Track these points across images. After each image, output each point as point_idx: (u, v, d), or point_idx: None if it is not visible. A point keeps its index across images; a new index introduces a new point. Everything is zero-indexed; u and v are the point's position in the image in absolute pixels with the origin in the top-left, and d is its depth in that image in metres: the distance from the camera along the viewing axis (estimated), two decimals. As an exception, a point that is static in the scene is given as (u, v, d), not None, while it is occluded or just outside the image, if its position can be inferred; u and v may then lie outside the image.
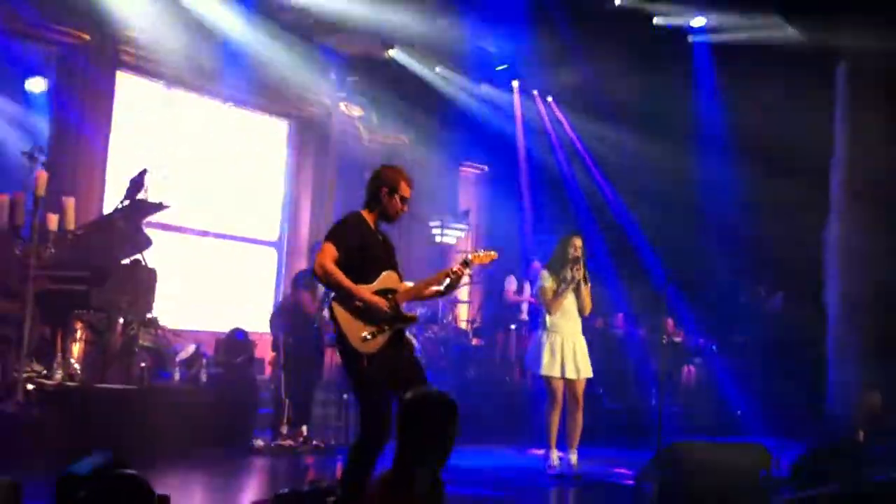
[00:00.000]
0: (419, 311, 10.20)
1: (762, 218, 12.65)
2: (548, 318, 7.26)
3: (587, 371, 7.29)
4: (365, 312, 4.71)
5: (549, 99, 14.16)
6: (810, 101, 11.53)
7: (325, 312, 8.27)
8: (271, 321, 8.61)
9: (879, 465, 8.11)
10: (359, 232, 4.87)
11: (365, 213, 4.96)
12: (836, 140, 11.51)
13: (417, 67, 12.77)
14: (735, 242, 13.23)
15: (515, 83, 13.91)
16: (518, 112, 14.11)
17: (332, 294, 4.79)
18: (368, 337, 4.69)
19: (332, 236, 4.80)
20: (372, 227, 4.94)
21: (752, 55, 11.90)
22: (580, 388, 7.23)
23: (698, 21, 12.57)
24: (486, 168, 14.62)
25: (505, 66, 13.68)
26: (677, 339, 12.69)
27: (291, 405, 8.00)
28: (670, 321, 12.80)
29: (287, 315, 8.30)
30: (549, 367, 7.14)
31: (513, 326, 11.56)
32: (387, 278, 4.86)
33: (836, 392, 11.19)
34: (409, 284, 5.00)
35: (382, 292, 4.77)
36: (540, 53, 12.83)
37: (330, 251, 4.72)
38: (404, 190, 4.98)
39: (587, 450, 8.97)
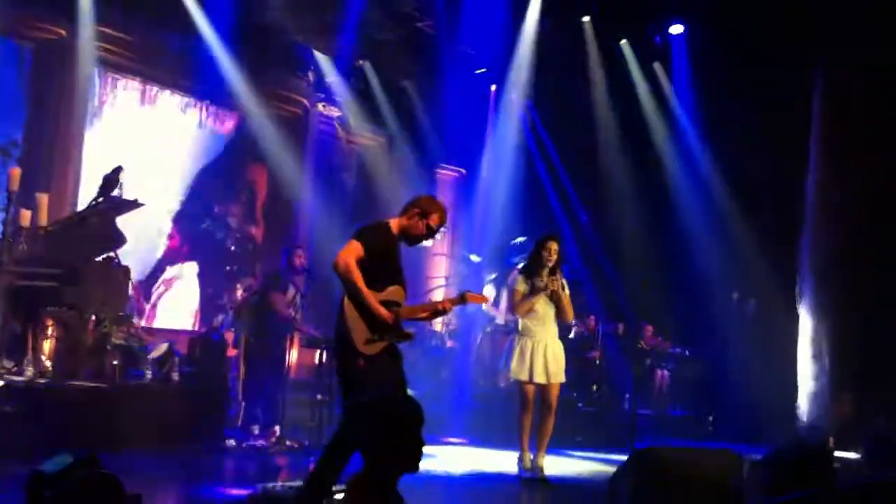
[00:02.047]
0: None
1: (737, 223, 12.74)
2: (520, 321, 7.23)
3: (559, 376, 7.23)
4: (369, 318, 4.78)
5: (524, 102, 14.16)
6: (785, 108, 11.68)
7: (299, 315, 8.27)
8: (235, 320, 8.52)
9: (849, 471, 8.20)
10: (386, 240, 5.00)
11: (393, 225, 5.06)
12: (811, 150, 11.64)
13: (392, 74, 12.80)
14: (709, 248, 13.30)
15: (493, 87, 13.93)
16: (499, 115, 14.12)
17: (343, 292, 4.84)
18: (371, 340, 4.78)
19: (361, 236, 4.90)
20: (395, 240, 5.04)
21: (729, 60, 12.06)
22: (552, 392, 7.19)
23: (676, 29, 12.70)
24: (463, 171, 14.63)
25: (483, 69, 13.72)
26: (655, 345, 12.74)
27: (247, 407, 7.98)
28: (650, 327, 12.85)
29: (253, 315, 8.22)
30: (518, 370, 7.12)
31: (488, 329, 11.55)
32: (395, 292, 4.98)
33: (808, 399, 11.30)
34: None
35: (387, 304, 4.87)
36: (519, 58, 12.89)
37: (356, 250, 4.81)
38: (434, 220, 5.15)
39: (560, 452, 9.03)
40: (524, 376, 7.11)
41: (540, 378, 7.13)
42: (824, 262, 11.36)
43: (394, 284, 4.95)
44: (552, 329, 7.26)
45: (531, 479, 7.11)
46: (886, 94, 11.00)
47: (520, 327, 7.24)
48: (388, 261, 4.96)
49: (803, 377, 11.42)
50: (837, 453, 8.64)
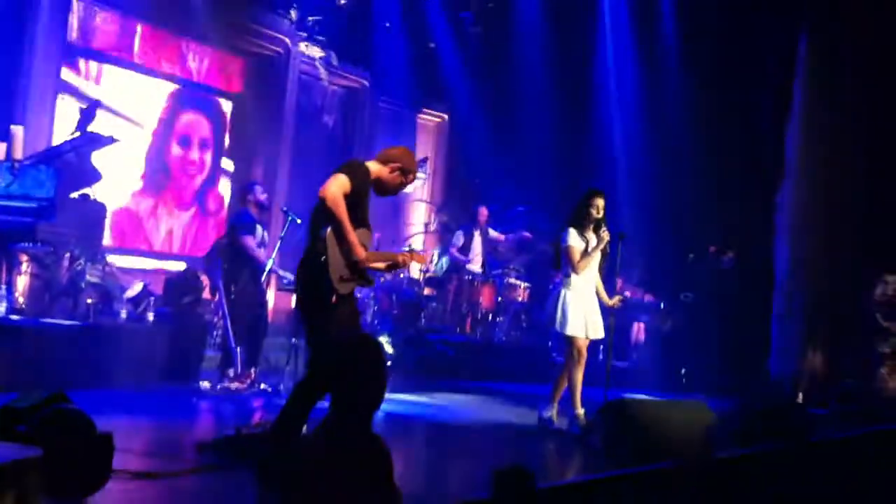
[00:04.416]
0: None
1: (717, 177, 12.74)
2: (573, 277, 7.15)
3: (602, 331, 7.29)
4: (347, 256, 4.72)
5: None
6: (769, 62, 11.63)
7: (275, 256, 8.19)
8: (207, 265, 8.41)
9: (819, 425, 8.31)
10: (365, 181, 4.90)
11: (371, 170, 4.98)
12: (794, 104, 11.60)
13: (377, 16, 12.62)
14: (687, 202, 13.33)
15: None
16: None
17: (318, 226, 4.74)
18: (345, 278, 4.72)
19: (350, 171, 4.79)
20: (370, 184, 4.98)
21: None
22: (585, 347, 7.21)
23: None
24: (445, 117, 14.52)
25: (468, 12, 13.56)
26: (627, 296, 12.79)
27: (243, 353, 7.92)
28: (619, 280, 12.88)
29: (226, 259, 8.10)
30: (575, 326, 7.07)
31: (467, 277, 11.55)
32: (363, 235, 4.89)
33: (779, 353, 11.40)
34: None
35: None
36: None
37: (345, 184, 4.70)
38: (410, 179, 5.12)
39: (538, 401, 9.09)
40: (580, 332, 7.08)
41: (595, 333, 7.15)
42: (800, 219, 11.39)
43: (362, 227, 4.87)
44: (597, 283, 7.28)
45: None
46: (873, 54, 10.94)
47: (571, 282, 7.15)
48: (362, 202, 4.87)
49: (775, 332, 11.51)
50: (807, 409, 8.77)
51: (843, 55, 11.32)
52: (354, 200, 4.75)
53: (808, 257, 11.31)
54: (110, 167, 9.09)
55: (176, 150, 11.23)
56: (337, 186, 4.66)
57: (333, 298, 4.68)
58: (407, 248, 5.45)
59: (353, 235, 4.69)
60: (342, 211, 4.64)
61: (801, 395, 10.49)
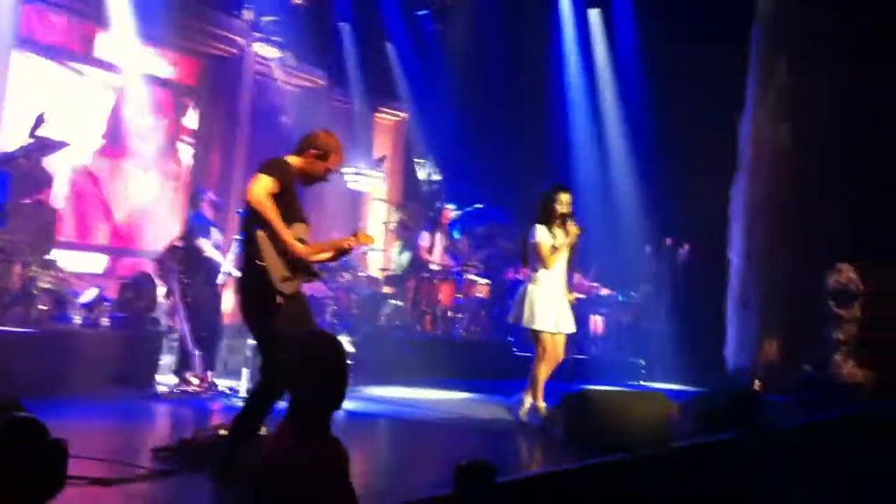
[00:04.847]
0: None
1: (673, 170, 12.86)
2: (541, 272, 7.16)
3: (573, 326, 7.31)
4: (284, 255, 4.65)
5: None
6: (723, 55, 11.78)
7: (231, 258, 8.11)
8: (161, 268, 8.31)
9: (775, 414, 8.42)
10: (290, 176, 4.81)
11: (291, 162, 4.88)
12: (747, 91, 11.75)
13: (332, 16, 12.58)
14: (643, 194, 13.45)
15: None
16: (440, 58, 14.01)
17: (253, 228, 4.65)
18: (287, 278, 4.65)
19: (270, 169, 4.69)
20: (294, 177, 4.88)
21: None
22: (563, 342, 7.24)
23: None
24: (403, 115, 14.49)
25: (426, 10, 13.57)
26: (584, 291, 12.87)
27: (200, 355, 7.84)
28: (577, 275, 12.96)
29: (181, 262, 8.02)
30: (543, 321, 7.08)
31: (424, 275, 11.54)
32: (300, 229, 4.82)
33: (736, 342, 11.55)
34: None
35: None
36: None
37: (268, 184, 4.61)
38: (333, 163, 4.95)
39: (500, 395, 9.12)
40: (548, 327, 7.09)
41: (563, 328, 7.16)
42: (754, 210, 11.55)
43: (298, 222, 4.80)
44: (564, 278, 7.29)
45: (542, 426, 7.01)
46: (826, 41, 11.09)
47: (539, 278, 7.17)
48: (291, 198, 4.77)
49: (732, 322, 11.65)
50: (764, 397, 8.87)
51: (792, 46, 11.48)
52: (283, 197, 4.67)
53: (763, 247, 11.48)
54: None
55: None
56: (260, 187, 4.57)
57: (279, 300, 4.62)
58: (352, 234, 5.31)
59: (286, 233, 4.61)
60: (270, 211, 4.56)
61: (758, 384, 10.63)
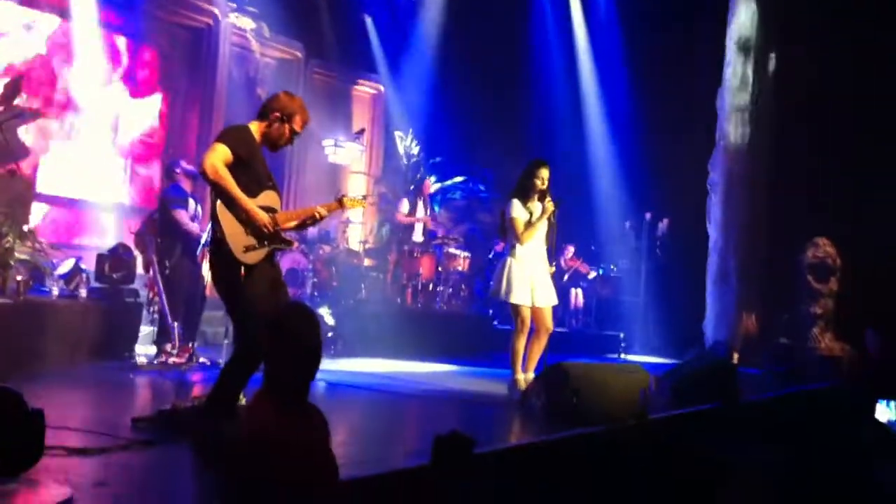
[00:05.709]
0: (312, 231, 10.10)
1: (651, 145, 12.90)
2: (518, 247, 7.19)
3: (554, 299, 7.32)
4: (247, 224, 4.60)
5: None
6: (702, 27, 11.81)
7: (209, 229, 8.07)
8: (140, 240, 8.26)
9: (753, 386, 8.51)
10: (249, 144, 4.74)
11: (254, 130, 4.81)
12: (725, 66, 11.78)
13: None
14: (622, 169, 13.49)
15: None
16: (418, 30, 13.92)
17: (216, 199, 4.61)
18: (251, 248, 4.59)
19: (225, 138, 4.63)
20: (258, 144, 4.82)
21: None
22: (549, 315, 7.25)
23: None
24: (382, 88, 14.42)
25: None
26: (575, 266, 12.92)
27: (180, 327, 7.81)
28: (571, 248, 13.01)
29: (158, 233, 7.97)
30: (520, 294, 7.10)
31: (405, 248, 11.55)
32: (268, 197, 4.77)
33: (714, 316, 11.64)
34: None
35: (264, 210, 4.68)
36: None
37: (224, 153, 4.54)
38: (297, 123, 4.86)
39: (479, 368, 9.16)
40: (526, 300, 7.12)
41: (540, 302, 7.17)
42: (732, 184, 11.61)
43: (266, 190, 4.75)
44: (544, 252, 7.32)
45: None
46: (807, 19, 11.12)
47: (516, 252, 7.18)
48: (255, 165, 4.70)
49: (711, 296, 11.74)
50: (740, 369, 8.96)
51: (772, 17, 11.50)
52: (244, 166, 4.61)
53: (741, 222, 11.55)
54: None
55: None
56: (215, 157, 4.51)
57: (242, 272, 4.57)
58: (339, 196, 5.28)
59: (245, 201, 4.55)
60: (225, 180, 4.50)
61: (736, 357, 10.73)
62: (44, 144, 9.81)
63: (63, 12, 10.16)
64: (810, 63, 11.03)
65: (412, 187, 12.29)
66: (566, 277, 12.75)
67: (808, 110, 11.18)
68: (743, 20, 11.65)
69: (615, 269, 13.34)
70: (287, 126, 4.83)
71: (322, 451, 3.14)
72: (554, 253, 7.58)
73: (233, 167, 4.57)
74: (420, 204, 11.91)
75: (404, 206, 11.93)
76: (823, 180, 11.18)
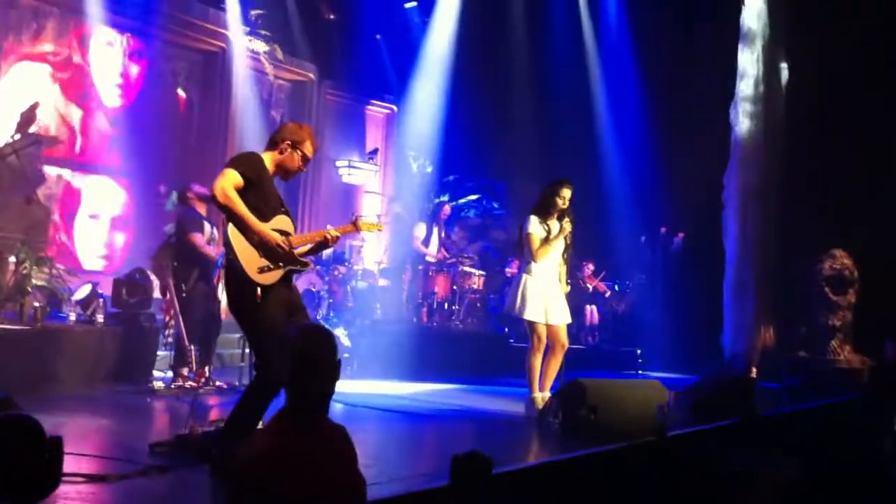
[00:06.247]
0: (327, 251, 10.12)
1: (665, 159, 12.87)
2: (533, 264, 7.21)
3: (568, 317, 7.33)
4: (261, 247, 4.61)
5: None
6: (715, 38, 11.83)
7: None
8: (156, 264, 8.29)
9: (771, 400, 8.45)
10: (260, 169, 4.76)
11: (266, 161, 4.85)
12: (738, 80, 11.77)
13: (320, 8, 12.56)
14: (637, 183, 13.45)
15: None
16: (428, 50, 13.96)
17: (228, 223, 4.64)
18: (265, 269, 4.61)
19: (236, 163, 4.67)
20: (270, 171, 4.85)
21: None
22: (564, 332, 7.25)
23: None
24: (394, 108, 14.47)
25: (414, 3, 13.54)
26: (595, 285, 12.87)
27: (197, 351, 7.83)
28: (590, 265, 12.96)
29: (174, 258, 8.00)
30: (535, 312, 7.11)
31: (420, 267, 11.54)
32: (281, 221, 4.79)
33: (732, 329, 11.57)
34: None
35: (277, 233, 4.70)
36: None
37: (233, 177, 4.58)
38: (307, 149, 4.90)
39: (496, 386, 9.14)
40: (540, 317, 7.12)
41: (556, 319, 7.17)
42: (747, 196, 11.56)
43: (280, 215, 4.77)
44: (559, 272, 7.32)
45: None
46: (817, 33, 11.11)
47: (532, 269, 7.20)
48: (266, 189, 4.73)
49: (728, 310, 11.67)
50: (759, 383, 8.90)
51: (783, 38, 11.50)
52: (256, 190, 4.65)
53: (757, 235, 11.49)
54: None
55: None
56: (224, 181, 4.54)
57: (257, 293, 4.59)
58: (353, 218, 5.30)
59: (255, 223, 4.57)
60: (235, 203, 4.53)
61: (754, 371, 10.66)
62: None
63: (81, 40, 10.30)
64: (824, 77, 11.01)
65: (430, 207, 12.29)
66: (589, 292, 12.70)
67: (822, 123, 11.15)
68: (756, 35, 11.65)
69: (631, 284, 13.28)
70: (298, 153, 4.87)
71: (345, 470, 3.12)
72: (569, 272, 7.58)
73: (243, 192, 4.59)
74: (436, 227, 11.88)
75: (420, 230, 11.88)
76: (839, 192, 11.14)
